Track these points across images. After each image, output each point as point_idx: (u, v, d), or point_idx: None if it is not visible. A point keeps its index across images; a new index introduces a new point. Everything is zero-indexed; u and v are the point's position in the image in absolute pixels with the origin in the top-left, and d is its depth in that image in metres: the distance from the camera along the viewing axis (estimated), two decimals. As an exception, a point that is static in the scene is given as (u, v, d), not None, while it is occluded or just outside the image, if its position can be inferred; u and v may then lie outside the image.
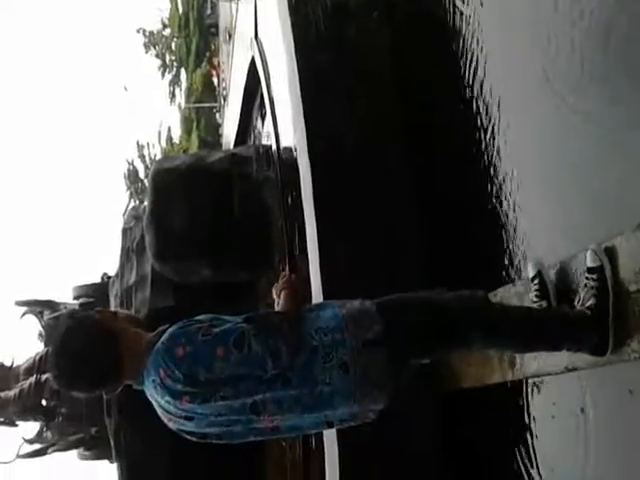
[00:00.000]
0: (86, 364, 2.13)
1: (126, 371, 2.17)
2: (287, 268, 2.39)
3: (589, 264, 2.43)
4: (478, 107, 3.80)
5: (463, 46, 4.01)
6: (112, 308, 2.28)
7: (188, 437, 2.23)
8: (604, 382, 2.67)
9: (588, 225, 2.74)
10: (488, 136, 3.64)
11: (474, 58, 3.88)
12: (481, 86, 3.74)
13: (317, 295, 4.49)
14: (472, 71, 3.89)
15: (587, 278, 2.44)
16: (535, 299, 2.75)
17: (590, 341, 2.39)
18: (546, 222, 3.08)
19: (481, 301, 2.42)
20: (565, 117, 2.89)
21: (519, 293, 3.01)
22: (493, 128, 3.60)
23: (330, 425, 2.31)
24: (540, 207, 3.13)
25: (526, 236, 3.24)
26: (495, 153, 3.54)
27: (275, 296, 2.31)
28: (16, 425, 9.87)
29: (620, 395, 2.58)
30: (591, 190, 2.72)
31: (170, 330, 2.13)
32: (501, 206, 3.46)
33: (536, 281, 2.79)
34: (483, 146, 3.70)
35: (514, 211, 3.35)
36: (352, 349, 2.10)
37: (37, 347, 10.87)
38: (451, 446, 3.80)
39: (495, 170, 3.52)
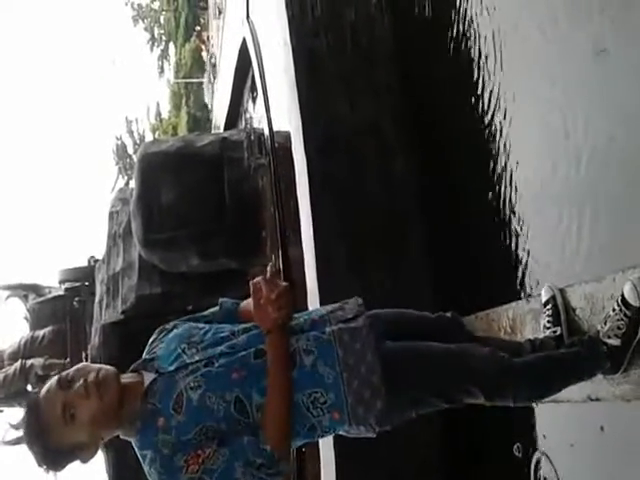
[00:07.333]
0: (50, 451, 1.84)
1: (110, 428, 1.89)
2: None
3: (627, 297, 2.22)
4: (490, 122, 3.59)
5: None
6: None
7: None
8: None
9: (617, 247, 2.52)
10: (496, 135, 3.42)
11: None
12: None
13: (312, 291, 4.30)
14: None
15: (620, 310, 2.24)
16: (547, 324, 2.62)
17: (602, 367, 2.28)
18: (568, 238, 2.86)
19: (501, 364, 2.10)
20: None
21: (534, 310, 2.81)
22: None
23: None
24: (561, 221, 2.91)
25: (545, 248, 3.03)
26: (509, 159, 3.32)
27: (253, 312, 1.88)
28: (1, 411, 9.72)
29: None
30: (624, 208, 2.50)
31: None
32: (515, 216, 3.24)
33: (549, 306, 2.65)
34: (491, 143, 3.48)
35: (530, 224, 3.13)
36: (350, 425, 1.96)
37: (22, 331, 10.68)
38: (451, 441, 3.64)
39: (510, 175, 3.30)
